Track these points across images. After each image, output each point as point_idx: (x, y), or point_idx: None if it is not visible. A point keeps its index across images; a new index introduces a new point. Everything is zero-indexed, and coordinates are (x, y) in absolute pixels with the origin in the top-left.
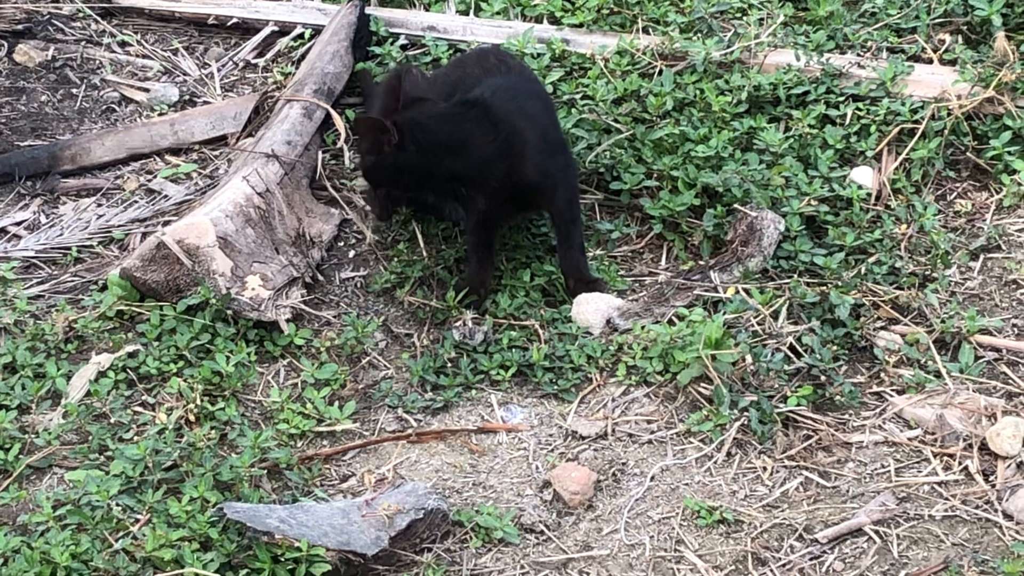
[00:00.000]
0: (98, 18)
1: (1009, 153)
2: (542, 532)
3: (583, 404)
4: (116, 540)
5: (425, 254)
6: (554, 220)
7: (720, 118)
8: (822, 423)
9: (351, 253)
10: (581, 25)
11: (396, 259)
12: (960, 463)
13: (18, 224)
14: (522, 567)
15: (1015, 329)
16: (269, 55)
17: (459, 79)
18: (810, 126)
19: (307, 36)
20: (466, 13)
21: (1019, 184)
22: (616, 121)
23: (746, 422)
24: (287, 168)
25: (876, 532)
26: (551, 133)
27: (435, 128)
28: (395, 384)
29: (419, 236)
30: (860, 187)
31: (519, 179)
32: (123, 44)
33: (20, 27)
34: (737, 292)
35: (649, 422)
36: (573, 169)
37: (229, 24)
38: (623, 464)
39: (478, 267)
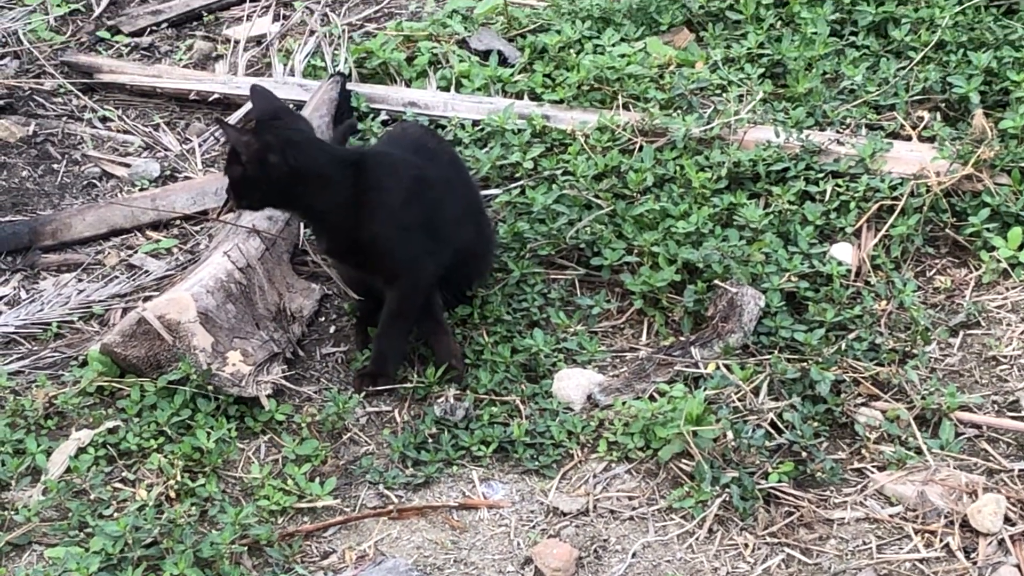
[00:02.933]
0: (79, 93)
1: (988, 230)
2: None
3: (564, 480)
4: None
5: None
6: (383, 304)
7: (700, 194)
8: (803, 499)
9: (332, 328)
10: (562, 101)
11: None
12: (942, 540)
13: None
14: None
15: (995, 405)
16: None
17: None
18: (790, 202)
19: None
20: (447, 89)
21: (998, 261)
22: (597, 197)
23: (728, 498)
24: (268, 243)
25: None
26: (427, 220)
27: (305, 151)
28: (376, 460)
29: None
30: (840, 263)
31: (361, 235)
32: (104, 119)
33: (1, 103)
34: (718, 368)
35: (631, 498)
36: (427, 272)
37: (211, 99)
38: (605, 541)
39: (432, 338)
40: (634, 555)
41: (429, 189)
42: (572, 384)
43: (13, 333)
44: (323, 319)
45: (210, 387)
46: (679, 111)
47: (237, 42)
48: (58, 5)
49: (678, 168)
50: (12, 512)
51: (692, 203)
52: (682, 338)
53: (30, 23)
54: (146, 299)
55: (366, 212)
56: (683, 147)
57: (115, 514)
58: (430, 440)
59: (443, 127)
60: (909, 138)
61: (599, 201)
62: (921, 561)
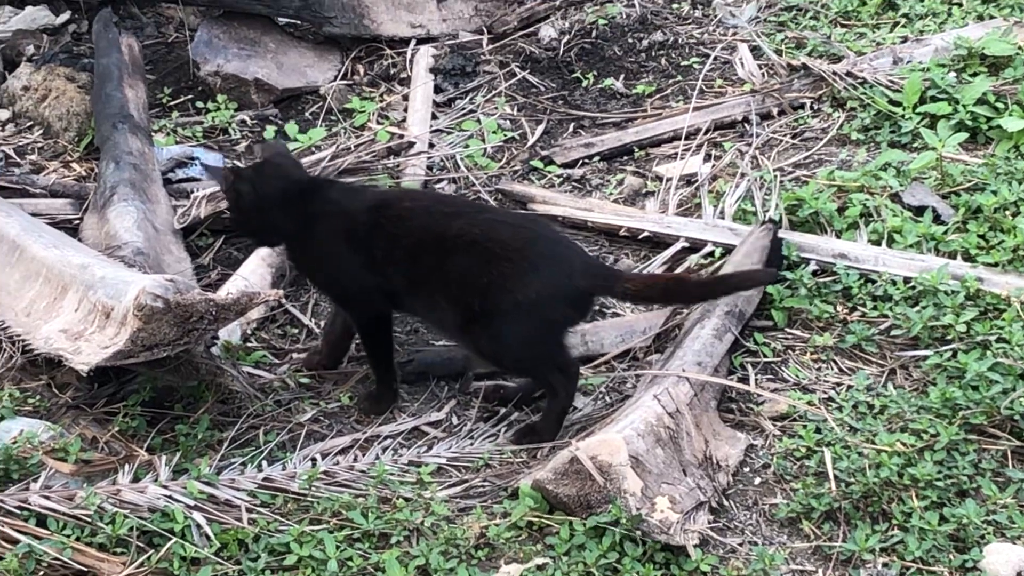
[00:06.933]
0: None
1: None
2: None
3: None
4: None
5: (833, 487)
6: None
7: None
8: None
9: (756, 480)
10: (996, 264)
11: (802, 489)
12: None
13: (432, 425)
14: None
15: None
16: (678, 270)
17: None
18: None
19: (717, 255)
20: (878, 243)
21: None
22: None
23: None
24: (697, 389)
25: None
26: None
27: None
28: None
29: (828, 465)
30: None
31: None
32: None
33: None
34: None
35: None
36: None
37: (640, 237)
38: None
39: None
40: None
41: None
42: (1002, 559)
43: (446, 461)
44: (747, 469)
45: (638, 532)
46: None
47: (668, 180)
48: (494, 132)
49: None
50: None
51: None
52: None
53: (467, 148)
54: (575, 437)
55: None
56: None
57: None
58: None
59: (872, 282)
60: None
61: None
62: None
